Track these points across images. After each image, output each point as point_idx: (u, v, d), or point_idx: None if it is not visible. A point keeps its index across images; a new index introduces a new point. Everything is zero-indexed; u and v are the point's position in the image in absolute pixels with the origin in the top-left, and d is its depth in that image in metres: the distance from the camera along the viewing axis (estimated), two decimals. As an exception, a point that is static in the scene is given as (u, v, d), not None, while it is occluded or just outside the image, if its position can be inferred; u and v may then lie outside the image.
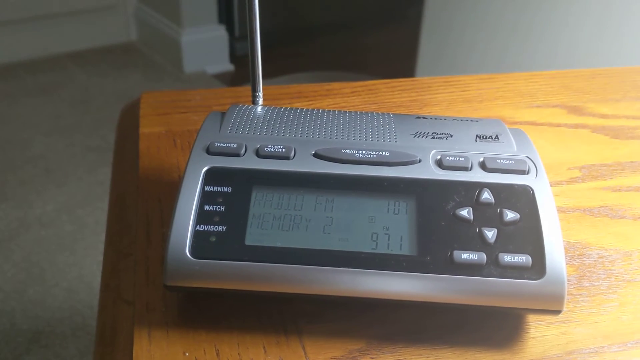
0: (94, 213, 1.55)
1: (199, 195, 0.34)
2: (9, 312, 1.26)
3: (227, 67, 2.30)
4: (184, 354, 0.32)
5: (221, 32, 2.28)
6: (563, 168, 0.48)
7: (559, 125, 0.53)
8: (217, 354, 0.32)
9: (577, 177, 0.47)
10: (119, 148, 0.51)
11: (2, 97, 2.05)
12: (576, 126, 0.53)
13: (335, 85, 0.58)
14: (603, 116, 0.55)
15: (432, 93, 0.58)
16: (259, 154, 0.36)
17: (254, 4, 0.40)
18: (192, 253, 0.32)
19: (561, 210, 0.43)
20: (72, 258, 1.41)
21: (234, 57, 2.32)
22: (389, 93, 0.57)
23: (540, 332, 0.34)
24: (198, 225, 0.33)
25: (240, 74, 2.26)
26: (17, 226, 1.50)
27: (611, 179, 0.47)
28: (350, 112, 0.40)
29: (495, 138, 0.38)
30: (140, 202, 0.42)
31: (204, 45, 2.25)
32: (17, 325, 1.24)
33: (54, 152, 1.78)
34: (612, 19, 1.21)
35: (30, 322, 1.25)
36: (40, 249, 1.43)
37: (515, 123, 0.53)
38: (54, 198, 1.60)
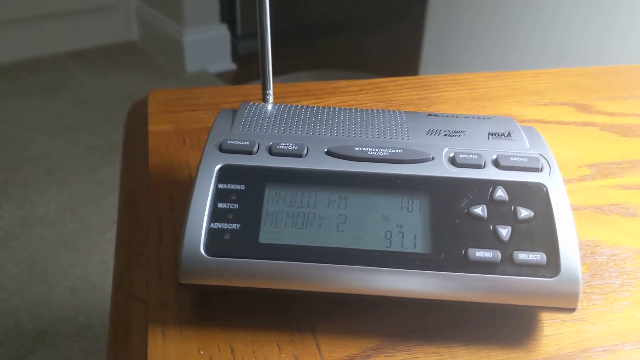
0: (97, 212, 1.54)
1: (212, 193, 0.34)
2: (13, 312, 1.26)
3: (229, 66, 2.29)
4: (199, 351, 0.32)
5: (223, 31, 2.28)
6: (573, 166, 0.48)
7: (567, 124, 0.53)
8: (232, 352, 0.32)
9: (587, 175, 0.47)
10: (127, 146, 0.51)
11: (4, 96, 2.05)
12: (584, 124, 0.53)
13: (343, 83, 0.58)
14: (611, 114, 0.55)
15: (440, 91, 0.58)
16: (271, 151, 0.35)
17: (265, 1, 0.40)
18: (206, 251, 0.32)
19: (572, 209, 0.43)
20: (75, 257, 1.41)
21: (236, 56, 2.32)
22: (397, 91, 0.57)
23: (555, 330, 0.34)
24: (212, 223, 0.33)
25: (242, 73, 2.26)
26: (19, 226, 1.50)
27: (621, 176, 0.47)
28: (362, 109, 0.40)
29: (507, 135, 0.38)
30: (151, 200, 0.41)
31: (206, 45, 2.24)
32: (21, 325, 1.24)
33: (56, 152, 1.78)
34: (620, 17, 1.21)
35: (35, 321, 1.25)
36: (43, 248, 1.43)
37: (523, 121, 0.53)
38: (57, 197, 1.59)
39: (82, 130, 1.88)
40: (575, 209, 0.43)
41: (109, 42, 2.39)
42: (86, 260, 1.40)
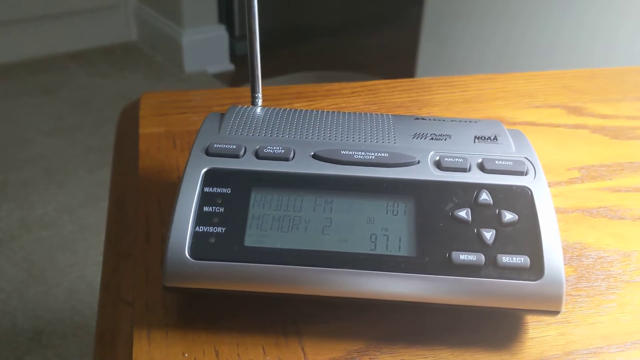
0: (95, 213, 1.55)
1: (198, 196, 0.34)
2: (10, 312, 1.27)
3: (228, 66, 2.30)
4: (184, 354, 0.32)
5: (221, 32, 2.28)
6: (562, 168, 0.48)
7: (558, 126, 0.53)
8: (217, 355, 0.32)
9: (576, 177, 0.47)
10: (118, 148, 0.51)
11: (3, 97, 2.05)
12: (576, 126, 0.53)
13: (335, 85, 0.58)
14: (603, 116, 0.55)
15: (432, 93, 0.58)
16: (258, 155, 0.36)
17: (253, 4, 0.40)
18: (191, 254, 0.32)
19: (560, 211, 0.43)
20: (73, 258, 1.41)
21: (234, 57, 2.32)
22: (389, 93, 0.57)
23: (539, 332, 0.34)
24: (197, 227, 0.33)
25: (240, 74, 2.26)
26: (18, 226, 1.50)
27: (610, 179, 0.47)
28: (350, 113, 0.40)
29: (493, 139, 0.38)
30: (140, 203, 0.42)
31: (205, 45, 2.25)
32: (18, 326, 1.24)
33: (55, 152, 1.78)
34: (612, 19, 1.21)
35: (31, 322, 1.25)
36: (41, 249, 1.43)
37: (515, 123, 0.53)
38: (55, 198, 1.60)
39: (81, 131, 1.89)
40: (563, 211, 0.43)
41: (108, 43, 2.39)
42: (84, 261, 1.41)
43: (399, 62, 2.16)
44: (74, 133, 1.87)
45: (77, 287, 1.34)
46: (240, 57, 2.32)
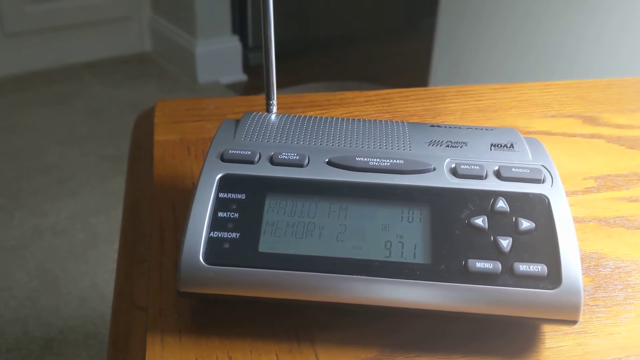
0: (107, 222, 1.55)
1: (213, 202, 0.34)
2: (22, 320, 1.27)
3: (241, 77, 2.31)
4: (197, 360, 0.32)
5: (235, 43, 2.29)
6: (578, 178, 0.47)
7: (574, 135, 0.53)
8: (230, 361, 0.32)
9: (592, 187, 0.46)
10: (133, 155, 0.51)
11: (18, 106, 2.07)
12: (591, 136, 0.53)
13: (349, 94, 0.58)
14: (618, 126, 0.54)
15: (446, 102, 0.58)
16: (272, 161, 0.36)
17: (269, 13, 0.40)
18: (205, 259, 0.32)
19: (577, 221, 0.43)
20: (85, 266, 1.42)
21: (247, 67, 2.33)
22: (403, 102, 0.57)
23: (556, 342, 0.34)
24: (212, 232, 0.33)
25: (253, 84, 2.28)
26: (31, 234, 1.51)
27: (627, 189, 0.46)
28: (365, 120, 0.40)
29: (510, 147, 0.38)
30: (154, 209, 0.42)
31: (218, 56, 2.26)
32: (29, 333, 1.24)
33: (68, 161, 1.79)
34: (628, 30, 1.21)
35: (43, 329, 1.25)
36: (53, 257, 1.44)
37: (530, 133, 0.53)
38: (68, 207, 1.61)
39: (94, 140, 1.90)
40: (579, 221, 0.43)
41: (122, 53, 2.41)
42: (95, 269, 1.41)
43: (412, 73, 2.17)
44: (86, 142, 1.89)
45: (88, 295, 1.34)
46: (254, 68, 2.34)
